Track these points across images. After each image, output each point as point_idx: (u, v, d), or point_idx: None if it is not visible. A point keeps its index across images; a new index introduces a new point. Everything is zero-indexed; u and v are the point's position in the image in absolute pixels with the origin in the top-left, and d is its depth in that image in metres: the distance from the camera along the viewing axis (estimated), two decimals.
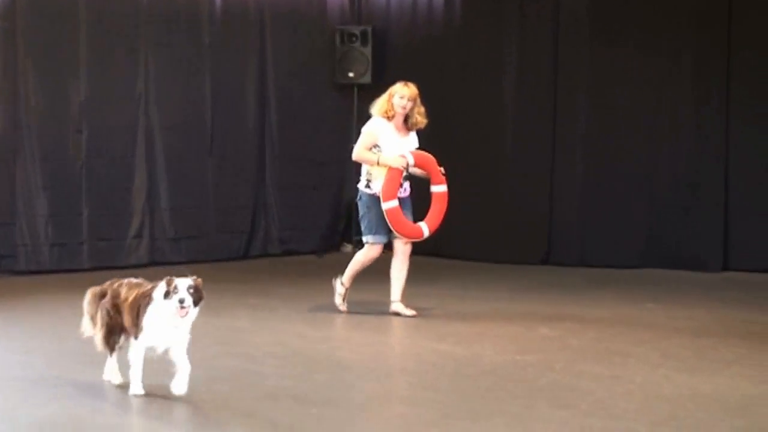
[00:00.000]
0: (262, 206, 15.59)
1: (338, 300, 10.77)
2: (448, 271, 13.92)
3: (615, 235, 14.10)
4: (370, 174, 10.51)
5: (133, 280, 7.25)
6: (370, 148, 10.45)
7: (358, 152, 10.54)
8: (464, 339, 9.24)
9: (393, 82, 15.64)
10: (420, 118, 10.63)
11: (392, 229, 10.37)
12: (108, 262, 13.68)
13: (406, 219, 10.44)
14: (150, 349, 6.98)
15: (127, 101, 14.19)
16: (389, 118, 10.51)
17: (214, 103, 14.98)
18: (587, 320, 10.22)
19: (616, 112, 14.15)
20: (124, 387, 7.16)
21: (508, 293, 11.97)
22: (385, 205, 10.26)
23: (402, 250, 10.62)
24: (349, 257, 12.32)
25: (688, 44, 13.75)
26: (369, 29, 15.80)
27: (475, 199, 15.02)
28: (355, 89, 15.92)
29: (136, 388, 7.05)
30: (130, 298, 7.07)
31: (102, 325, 7.23)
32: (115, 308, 7.17)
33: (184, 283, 6.79)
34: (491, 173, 15.04)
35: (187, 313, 6.80)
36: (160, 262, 14.21)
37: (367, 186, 10.53)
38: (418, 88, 10.72)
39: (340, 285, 10.84)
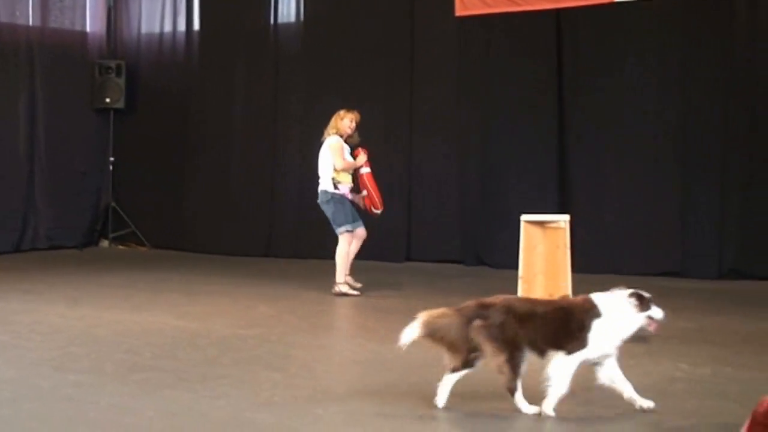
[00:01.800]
0: (32, 208, 15.27)
1: (350, 290, 10.61)
2: (189, 261, 13.79)
3: (323, 232, 14.17)
4: (337, 179, 10.67)
5: (510, 296, 5.87)
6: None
7: (343, 162, 10.68)
8: (198, 317, 9.13)
9: (143, 107, 15.62)
10: (356, 139, 10.94)
11: (372, 192, 10.75)
12: None
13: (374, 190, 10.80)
14: (583, 363, 5.63)
15: None
16: (342, 136, 10.76)
17: None
18: (299, 300, 10.25)
19: (320, 129, 14.06)
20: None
21: (235, 279, 11.91)
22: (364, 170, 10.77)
23: (360, 235, 10.84)
24: (106, 250, 12.03)
25: (378, 73, 13.99)
26: (122, 63, 15.70)
27: (209, 201, 15.05)
28: (111, 112, 15.87)
29: (550, 407, 5.59)
30: (547, 312, 5.67)
31: (505, 348, 5.55)
32: (520, 324, 5.59)
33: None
34: (221, 182, 15.03)
35: (657, 328, 5.65)
36: None
37: (336, 188, 10.67)
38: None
39: (342, 285, 10.63)
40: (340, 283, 10.64)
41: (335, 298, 10.44)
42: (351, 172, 10.83)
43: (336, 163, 10.69)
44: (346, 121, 10.83)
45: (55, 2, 15.62)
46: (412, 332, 5.70)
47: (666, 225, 12.13)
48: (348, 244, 10.72)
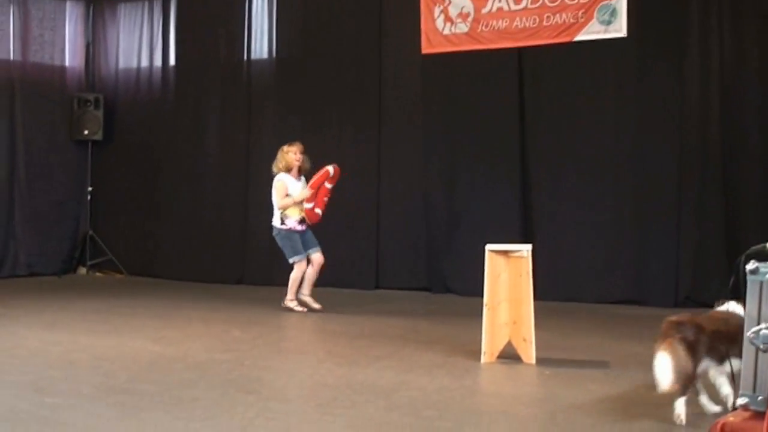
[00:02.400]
0: (12, 236, 15.20)
1: (299, 308, 11.26)
2: (165, 288, 13.70)
3: None
4: (284, 214, 11.18)
5: (693, 316, 6.02)
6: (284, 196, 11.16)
7: (281, 202, 11.15)
8: (174, 341, 9.05)
9: (120, 139, 15.59)
10: (307, 165, 11.36)
11: (306, 217, 11.17)
12: None
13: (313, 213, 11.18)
14: None
15: None
16: (289, 171, 11.20)
17: None
18: (272, 326, 10.20)
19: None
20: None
21: (209, 305, 11.83)
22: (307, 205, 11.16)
23: (317, 261, 11.28)
24: (84, 277, 11.92)
25: (347, 108, 14.01)
26: (101, 96, 15.70)
27: (184, 230, 15.00)
28: (89, 144, 15.83)
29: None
30: (732, 327, 5.85)
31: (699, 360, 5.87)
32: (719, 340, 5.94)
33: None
34: (196, 212, 14.98)
35: None
36: None
37: (283, 223, 11.20)
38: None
39: (290, 301, 11.30)
40: (289, 300, 11.28)
41: (306, 323, 10.42)
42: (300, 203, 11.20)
43: (276, 202, 11.23)
44: (291, 154, 11.26)
45: (35, 38, 15.60)
46: (667, 379, 5.74)
47: (624, 255, 12.16)
48: (300, 270, 11.21)
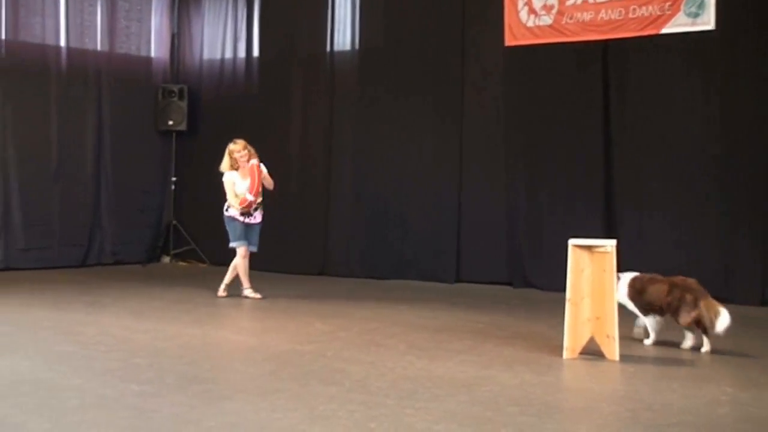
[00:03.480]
0: (97, 225, 15.49)
1: (255, 294, 11.78)
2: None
3: (374, 253, 14.21)
4: (229, 203, 11.65)
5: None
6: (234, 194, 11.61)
7: (230, 200, 11.63)
8: (256, 332, 9.16)
9: (204, 129, 15.77)
10: (254, 153, 11.76)
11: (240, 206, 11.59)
12: None
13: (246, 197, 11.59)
14: None
15: None
16: (236, 169, 11.63)
17: (60, 142, 14.99)
18: (353, 318, 10.22)
19: (373, 154, 14.35)
20: None
21: (291, 297, 11.92)
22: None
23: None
24: (168, 266, 12.07)
25: (429, 100, 14.02)
26: (185, 87, 15.93)
27: (266, 221, 15.06)
28: (174, 134, 16.06)
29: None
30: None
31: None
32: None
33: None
34: (279, 204, 15.05)
35: None
36: (13, 268, 14.20)
37: (227, 210, 11.68)
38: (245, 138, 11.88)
39: (247, 289, 11.83)
40: (245, 288, 11.82)
41: (387, 316, 10.43)
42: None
43: (230, 201, 11.63)
44: (236, 154, 11.66)
45: (122, 29, 15.88)
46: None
47: (710, 252, 11.99)
48: (242, 257, 11.71)
